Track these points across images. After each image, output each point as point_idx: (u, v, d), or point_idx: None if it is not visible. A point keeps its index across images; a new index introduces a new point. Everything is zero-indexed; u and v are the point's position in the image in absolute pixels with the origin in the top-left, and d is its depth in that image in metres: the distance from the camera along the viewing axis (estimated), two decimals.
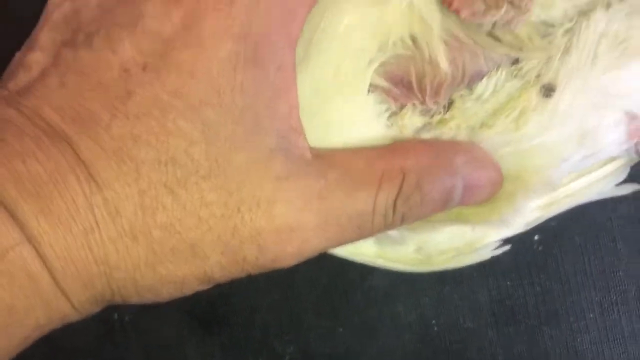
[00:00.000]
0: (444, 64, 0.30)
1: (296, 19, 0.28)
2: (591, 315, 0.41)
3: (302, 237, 0.28)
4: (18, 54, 0.30)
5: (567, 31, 0.31)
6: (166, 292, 0.28)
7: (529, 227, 0.38)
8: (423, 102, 0.30)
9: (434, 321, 0.41)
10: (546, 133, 0.31)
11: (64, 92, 0.27)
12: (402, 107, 0.31)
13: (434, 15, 0.30)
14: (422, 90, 0.30)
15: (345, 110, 0.30)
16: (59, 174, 0.26)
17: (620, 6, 0.31)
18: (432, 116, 0.31)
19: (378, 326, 0.41)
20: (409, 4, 0.30)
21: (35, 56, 0.29)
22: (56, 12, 0.30)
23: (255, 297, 0.43)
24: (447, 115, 0.31)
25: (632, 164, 0.37)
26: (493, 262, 0.40)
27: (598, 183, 0.37)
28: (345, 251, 0.36)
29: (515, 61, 0.31)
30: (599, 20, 0.30)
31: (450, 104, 0.31)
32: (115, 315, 0.43)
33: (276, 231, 0.28)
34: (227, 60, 0.27)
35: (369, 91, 0.30)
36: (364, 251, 0.36)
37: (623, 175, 0.38)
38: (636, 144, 0.34)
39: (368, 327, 0.42)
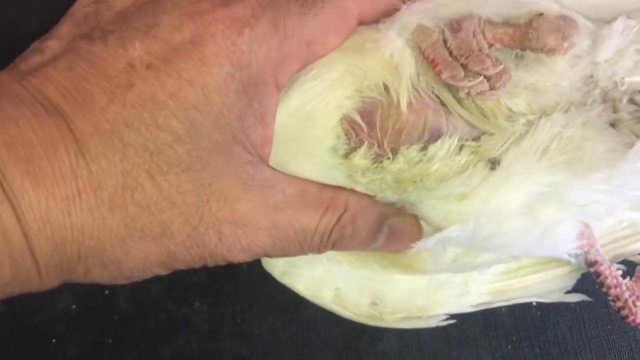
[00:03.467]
0: (406, 112, 0.33)
1: (286, 71, 0.32)
2: None
3: (253, 235, 0.32)
4: (35, 43, 0.33)
5: (528, 122, 0.33)
6: (128, 268, 0.31)
7: (476, 309, 0.40)
8: (380, 145, 0.33)
9: None
10: (487, 204, 0.33)
11: (70, 75, 0.30)
12: (358, 145, 0.33)
13: (408, 69, 0.33)
14: (383, 130, 0.33)
15: (309, 143, 0.34)
16: (50, 143, 0.29)
17: (577, 113, 0.33)
18: (380, 162, 0.33)
19: None
20: (390, 56, 0.33)
21: (51, 43, 0.32)
22: (80, 10, 0.33)
23: (273, 359, 0.45)
24: (394, 162, 0.33)
25: (582, 272, 0.40)
26: (496, 325, 0.43)
27: (549, 282, 0.40)
28: (308, 293, 0.40)
29: (477, 138, 0.34)
30: (556, 121, 0.33)
31: (398, 152, 0.33)
32: None
33: (234, 223, 0.31)
34: (223, 79, 0.30)
35: (338, 123, 0.33)
36: (323, 295, 0.40)
37: (572, 282, 0.40)
38: (586, 252, 0.36)
39: None
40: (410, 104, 0.33)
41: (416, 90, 0.33)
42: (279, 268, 0.39)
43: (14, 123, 0.29)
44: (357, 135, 0.33)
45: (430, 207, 0.33)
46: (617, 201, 0.34)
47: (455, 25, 0.33)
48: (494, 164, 0.33)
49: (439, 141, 0.33)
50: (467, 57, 0.32)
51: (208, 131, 0.30)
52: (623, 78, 0.33)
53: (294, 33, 0.32)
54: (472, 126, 0.34)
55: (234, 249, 0.32)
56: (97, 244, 0.30)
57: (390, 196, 0.34)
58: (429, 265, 0.35)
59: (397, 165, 0.33)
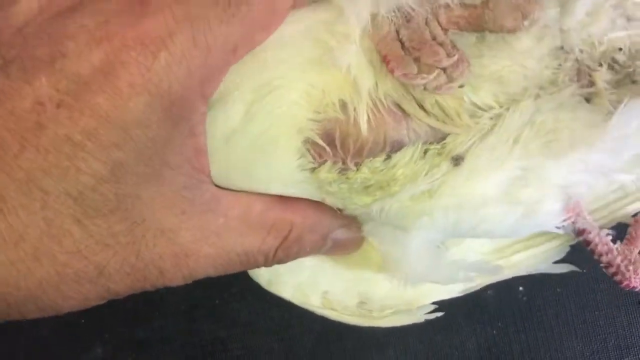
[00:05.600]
0: (365, 130, 0.31)
1: (213, 82, 0.30)
2: None
3: (195, 263, 0.31)
4: None
5: (496, 116, 0.32)
6: (67, 307, 0.29)
7: (466, 293, 0.39)
8: (344, 162, 0.32)
9: None
10: (455, 197, 0.32)
11: None
12: (322, 163, 0.32)
13: (367, 82, 0.31)
14: (344, 149, 0.32)
15: (274, 165, 0.32)
16: None
17: (548, 98, 0.32)
18: (345, 174, 0.32)
19: None
20: (347, 69, 0.31)
21: None
22: None
23: (252, 343, 0.44)
24: (358, 172, 0.32)
25: (571, 243, 0.38)
26: (482, 309, 0.42)
27: (537, 257, 0.39)
28: (296, 300, 0.39)
29: (442, 139, 0.32)
30: (526, 108, 0.32)
31: (362, 164, 0.32)
32: None
33: (175, 256, 0.30)
34: (141, 112, 0.27)
35: (301, 145, 0.32)
36: (311, 301, 0.39)
37: (562, 254, 0.39)
38: (573, 222, 0.35)
39: None
40: (368, 121, 0.31)
41: (375, 105, 0.32)
42: (264, 277, 0.38)
43: None
44: (320, 156, 0.32)
45: (401, 211, 0.32)
46: (598, 179, 0.33)
47: (406, 13, 0.31)
48: (457, 160, 0.32)
49: (401, 151, 0.32)
50: (419, 49, 0.30)
51: (133, 165, 0.28)
52: (602, 37, 0.32)
53: (217, 44, 0.29)
54: (436, 129, 0.32)
55: (175, 278, 0.31)
56: (27, 293, 0.28)
57: (360, 206, 0.33)
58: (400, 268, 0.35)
59: (362, 174, 0.32)
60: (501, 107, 0.32)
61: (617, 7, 0.32)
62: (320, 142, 0.31)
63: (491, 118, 0.32)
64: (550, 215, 0.34)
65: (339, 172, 0.32)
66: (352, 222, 0.35)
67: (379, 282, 0.38)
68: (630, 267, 0.35)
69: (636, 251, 0.35)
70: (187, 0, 0.28)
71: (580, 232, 0.35)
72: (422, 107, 0.32)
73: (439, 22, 0.31)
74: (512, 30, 0.31)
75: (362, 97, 0.31)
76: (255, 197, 0.32)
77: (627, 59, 0.32)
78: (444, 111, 0.32)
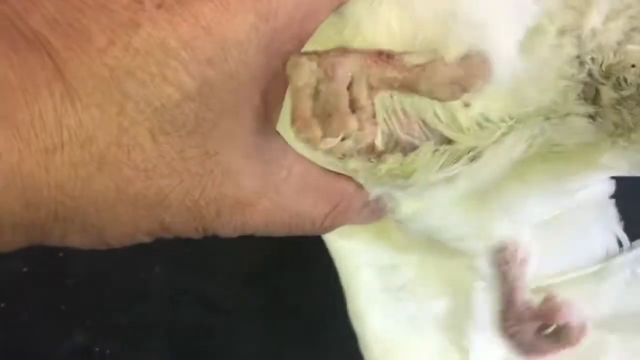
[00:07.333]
0: (378, 142, 0.31)
1: (312, 24, 0.28)
2: None
3: (250, 216, 0.29)
4: None
5: (508, 129, 0.31)
6: (112, 236, 0.28)
7: None
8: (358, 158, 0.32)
9: None
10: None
11: (61, 4, 0.25)
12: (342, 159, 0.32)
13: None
14: (358, 150, 0.31)
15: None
16: (31, 82, 0.24)
17: (557, 117, 0.31)
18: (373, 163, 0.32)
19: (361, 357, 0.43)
20: None
21: None
22: None
23: (236, 330, 0.44)
24: (380, 163, 0.31)
25: None
26: None
27: None
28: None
29: (449, 141, 0.32)
30: (535, 124, 0.31)
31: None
32: (97, 349, 0.44)
33: (236, 201, 0.29)
34: (245, 31, 0.26)
35: None
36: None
37: None
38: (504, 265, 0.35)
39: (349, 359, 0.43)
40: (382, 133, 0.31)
41: (387, 112, 0.31)
42: None
43: None
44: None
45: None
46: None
47: (330, 71, 0.29)
48: (474, 157, 0.32)
49: (414, 152, 0.31)
50: (329, 116, 0.29)
51: (220, 88, 0.26)
52: (617, 48, 0.31)
53: None
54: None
55: (227, 226, 0.29)
56: (79, 206, 0.26)
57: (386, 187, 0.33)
58: None
59: (385, 165, 0.31)
60: (511, 120, 0.31)
61: (634, 18, 0.31)
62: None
63: (500, 133, 0.31)
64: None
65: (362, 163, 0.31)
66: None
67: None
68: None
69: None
70: None
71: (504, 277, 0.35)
72: (437, 115, 0.31)
73: (368, 82, 0.29)
74: (446, 101, 0.30)
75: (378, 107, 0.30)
76: (312, 162, 0.31)
77: (637, 77, 0.31)
78: (455, 124, 0.31)
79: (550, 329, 0.35)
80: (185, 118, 0.26)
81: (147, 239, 0.29)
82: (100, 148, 0.25)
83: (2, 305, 0.43)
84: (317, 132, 0.29)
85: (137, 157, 0.26)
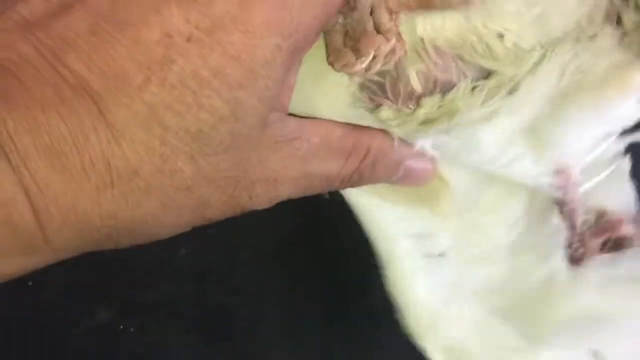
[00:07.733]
0: (415, 83, 0.33)
1: (327, 23, 0.30)
2: None
3: (281, 187, 0.32)
4: None
5: (540, 57, 0.33)
6: (162, 235, 0.30)
7: None
8: (397, 104, 0.33)
9: None
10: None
11: (94, 41, 0.26)
12: (377, 105, 0.34)
13: (415, 34, 0.32)
14: (395, 95, 0.33)
15: (330, 96, 0.34)
16: (80, 131, 0.26)
17: (587, 44, 0.33)
18: (406, 112, 0.33)
19: (379, 339, 0.44)
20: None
21: None
22: None
23: (258, 312, 0.44)
24: (417, 109, 0.33)
25: None
26: None
27: None
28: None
29: (485, 77, 0.33)
30: (566, 51, 0.33)
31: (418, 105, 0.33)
32: (121, 327, 0.44)
33: (266, 182, 0.31)
34: (270, 52, 0.27)
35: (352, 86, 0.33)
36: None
37: None
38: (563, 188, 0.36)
39: (368, 342, 0.44)
40: (418, 73, 0.33)
41: (422, 57, 0.33)
42: None
43: (40, 108, 0.25)
44: (372, 101, 0.33)
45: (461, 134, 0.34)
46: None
47: (352, 2, 0.31)
48: (512, 90, 0.33)
49: (453, 90, 0.33)
50: (358, 41, 0.31)
51: (252, 105, 0.28)
52: None
53: None
54: (482, 69, 0.33)
55: (263, 202, 0.31)
56: (129, 226, 0.28)
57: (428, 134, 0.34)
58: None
59: (423, 110, 0.33)
60: (543, 48, 0.33)
61: None
62: (371, 85, 0.33)
63: (534, 61, 0.33)
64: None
65: (396, 111, 0.33)
66: (424, 153, 0.36)
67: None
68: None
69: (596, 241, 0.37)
70: None
71: (562, 203, 0.36)
72: (474, 48, 0.33)
73: (388, 6, 0.31)
74: (460, 6, 0.31)
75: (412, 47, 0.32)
76: (335, 124, 0.33)
77: None
78: (492, 53, 0.33)
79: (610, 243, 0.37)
80: (221, 137, 0.28)
81: (190, 228, 0.31)
82: (147, 178, 0.27)
83: (30, 283, 0.43)
84: (351, 57, 0.31)
85: (178, 179, 0.28)
